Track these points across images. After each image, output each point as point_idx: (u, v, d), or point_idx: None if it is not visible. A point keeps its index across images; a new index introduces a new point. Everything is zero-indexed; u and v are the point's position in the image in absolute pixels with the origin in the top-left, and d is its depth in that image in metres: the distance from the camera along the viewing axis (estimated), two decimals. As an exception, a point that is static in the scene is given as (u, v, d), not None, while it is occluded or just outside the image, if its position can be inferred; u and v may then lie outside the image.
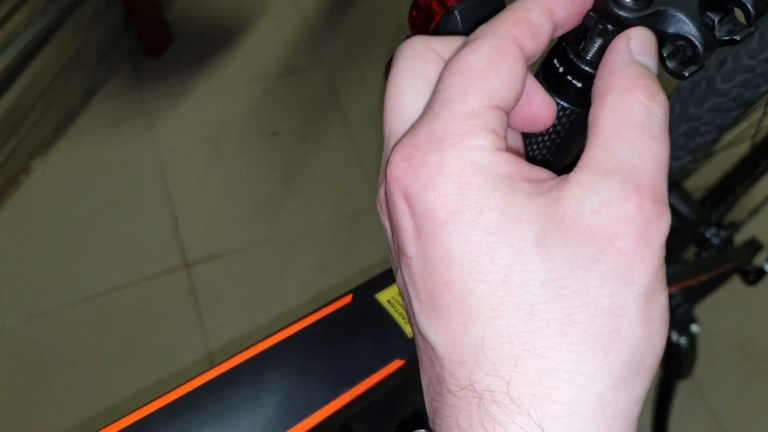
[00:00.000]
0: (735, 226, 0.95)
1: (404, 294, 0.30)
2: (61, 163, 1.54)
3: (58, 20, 1.44)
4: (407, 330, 0.44)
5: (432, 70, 0.31)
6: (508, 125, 0.31)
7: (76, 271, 1.43)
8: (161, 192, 1.51)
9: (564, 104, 0.34)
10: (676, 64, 0.31)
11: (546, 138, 0.36)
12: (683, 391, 1.30)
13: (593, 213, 0.26)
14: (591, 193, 0.26)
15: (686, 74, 0.31)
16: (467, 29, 0.38)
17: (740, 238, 0.98)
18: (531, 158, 0.37)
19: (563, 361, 0.25)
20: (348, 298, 0.45)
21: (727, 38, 0.33)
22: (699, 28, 0.30)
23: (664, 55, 0.32)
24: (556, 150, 0.37)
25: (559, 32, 0.31)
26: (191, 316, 1.39)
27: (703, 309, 1.13)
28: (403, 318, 0.45)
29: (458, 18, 0.38)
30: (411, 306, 0.29)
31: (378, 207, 0.33)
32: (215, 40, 1.70)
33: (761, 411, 1.30)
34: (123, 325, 1.38)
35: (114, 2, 1.56)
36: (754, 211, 1.01)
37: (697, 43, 0.30)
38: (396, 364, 0.43)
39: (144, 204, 1.50)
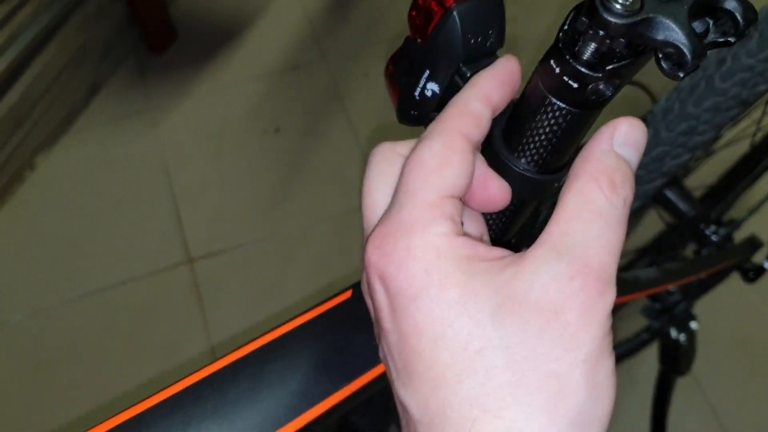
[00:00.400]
0: (735, 224, 0.96)
1: (385, 364, 0.33)
2: (65, 159, 1.54)
3: (62, 17, 1.44)
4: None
5: (397, 170, 0.35)
6: (470, 208, 0.36)
7: (79, 267, 1.43)
8: (164, 188, 1.51)
9: (561, 104, 0.35)
10: (671, 65, 0.32)
11: (544, 137, 0.37)
12: (683, 387, 1.30)
13: (543, 288, 0.29)
14: (543, 271, 0.29)
15: (680, 75, 0.32)
16: (466, 31, 0.39)
17: (740, 235, 0.98)
18: (530, 160, 0.38)
19: (515, 420, 0.28)
20: (348, 294, 0.46)
21: (722, 40, 0.33)
22: (687, 36, 0.31)
23: (659, 56, 0.32)
24: (554, 149, 0.37)
25: (497, 113, 0.36)
26: (194, 311, 1.39)
27: (703, 305, 1.13)
28: (402, 314, 0.45)
29: (457, 19, 0.38)
30: (390, 374, 0.32)
31: (362, 290, 0.37)
32: (219, 37, 1.70)
33: (761, 407, 1.30)
34: (126, 321, 1.39)
35: (117, -2, 1.57)
36: (754, 210, 1.01)
37: (685, 50, 0.31)
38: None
39: (147, 200, 1.50)
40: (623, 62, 0.33)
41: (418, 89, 0.42)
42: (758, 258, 0.97)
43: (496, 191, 0.36)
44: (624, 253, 1.03)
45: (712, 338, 1.35)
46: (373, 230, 0.33)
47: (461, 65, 0.40)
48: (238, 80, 1.64)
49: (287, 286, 1.42)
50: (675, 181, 0.98)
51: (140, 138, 1.57)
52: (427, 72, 0.41)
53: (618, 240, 0.31)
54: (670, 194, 0.97)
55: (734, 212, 1.01)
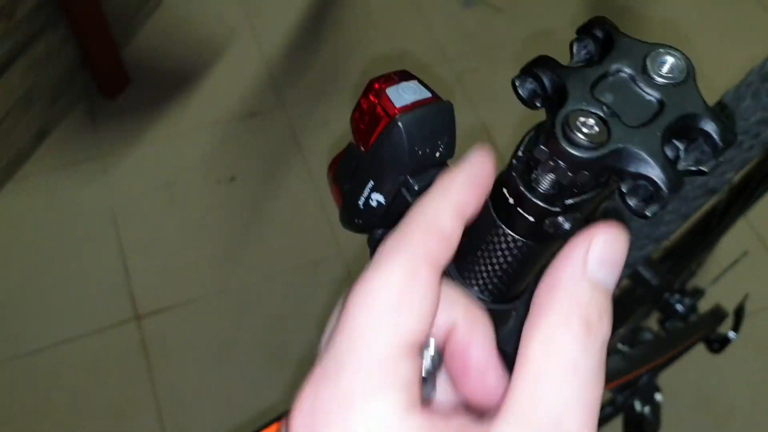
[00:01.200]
0: (699, 293, 0.93)
1: None
2: (9, 207, 1.48)
3: (8, 59, 1.39)
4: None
5: None
6: (453, 389, 0.30)
7: (23, 322, 1.37)
8: (113, 240, 1.45)
9: (513, 235, 0.31)
10: (638, 201, 0.28)
11: (497, 266, 0.33)
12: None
13: None
14: None
15: (648, 214, 0.28)
16: (413, 142, 0.35)
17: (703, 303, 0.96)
18: (482, 288, 0.34)
19: None
20: (275, 427, 0.41)
21: (695, 169, 0.30)
22: (663, 168, 0.27)
23: (624, 191, 0.29)
24: (507, 279, 0.33)
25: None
26: (141, 370, 1.33)
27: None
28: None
29: (402, 130, 0.35)
30: None
31: None
32: (174, 82, 1.66)
33: (726, 471, 1.28)
34: (71, 380, 1.33)
35: (68, 41, 1.52)
36: (718, 278, 0.99)
37: (661, 184, 0.27)
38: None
39: (94, 252, 1.44)
40: (586, 195, 0.30)
41: (362, 198, 0.38)
42: (723, 329, 0.95)
43: (494, 387, 0.29)
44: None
45: (678, 397, 1.33)
46: (305, 385, 0.26)
47: (408, 178, 0.37)
48: (193, 127, 1.60)
49: (239, 343, 1.37)
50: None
51: (89, 186, 1.51)
52: (371, 182, 0.37)
53: (596, 397, 0.25)
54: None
55: (698, 280, 0.99)
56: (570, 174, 0.28)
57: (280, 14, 1.77)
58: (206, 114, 1.62)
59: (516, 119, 1.64)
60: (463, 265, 0.34)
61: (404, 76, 0.37)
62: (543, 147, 0.28)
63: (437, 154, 0.36)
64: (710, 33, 1.83)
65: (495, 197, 0.31)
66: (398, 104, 0.35)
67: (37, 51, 1.44)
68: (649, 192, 0.28)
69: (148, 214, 1.49)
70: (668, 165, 0.28)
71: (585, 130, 0.27)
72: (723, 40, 1.82)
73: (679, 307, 0.92)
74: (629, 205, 0.29)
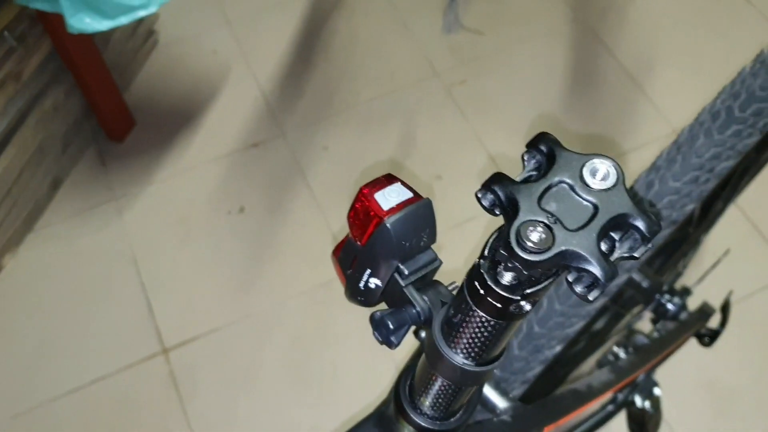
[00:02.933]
0: (687, 292, 1.00)
1: None
2: (32, 257, 1.55)
3: (19, 118, 1.46)
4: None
5: None
6: None
7: (55, 366, 1.44)
8: (134, 278, 1.53)
9: (485, 316, 0.38)
10: (582, 288, 0.35)
11: (475, 338, 0.40)
12: None
13: None
14: None
15: (590, 298, 0.35)
16: (400, 238, 0.42)
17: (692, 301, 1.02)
18: (465, 352, 0.41)
19: None
20: None
21: (627, 255, 0.36)
22: (598, 262, 0.34)
23: (570, 280, 0.35)
24: (485, 347, 0.40)
25: None
26: (173, 401, 1.40)
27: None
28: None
29: (390, 230, 0.41)
30: None
31: None
32: (176, 119, 1.73)
33: (733, 449, 1.34)
34: (106, 417, 1.40)
35: (73, 92, 1.59)
36: (704, 276, 1.06)
37: (598, 275, 0.34)
38: None
39: (118, 292, 1.51)
40: (540, 286, 0.36)
41: (362, 282, 0.45)
42: (712, 323, 1.01)
43: None
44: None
45: (681, 383, 1.39)
46: None
47: (399, 264, 0.43)
48: (198, 162, 1.67)
49: (264, 366, 1.44)
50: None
51: (106, 229, 1.59)
52: (369, 270, 0.44)
53: None
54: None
55: (685, 279, 1.05)
56: (525, 272, 0.35)
57: (273, 45, 1.83)
58: (210, 148, 1.69)
59: (505, 127, 1.70)
60: (450, 337, 0.41)
61: (390, 179, 0.43)
62: (503, 251, 0.35)
63: (422, 243, 0.43)
64: (690, 25, 1.89)
65: (469, 287, 0.38)
66: (385, 207, 0.42)
67: (45, 106, 1.51)
68: (590, 281, 0.35)
69: (166, 251, 1.56)
70: (603, 259, 0.34)
71: (533, 237, 0.34)
72: (704, 32, 1.88)
73: (670, 306, 0.99)
74: (575, 291, 0.35)
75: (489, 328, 0.39)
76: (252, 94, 1.76)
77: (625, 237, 0.36)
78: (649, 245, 0.36)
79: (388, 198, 0.42)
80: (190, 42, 1.84)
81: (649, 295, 1.00)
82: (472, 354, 0.41)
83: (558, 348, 0.64)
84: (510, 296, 0.36)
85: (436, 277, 0.46)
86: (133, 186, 1.64)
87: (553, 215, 0.35)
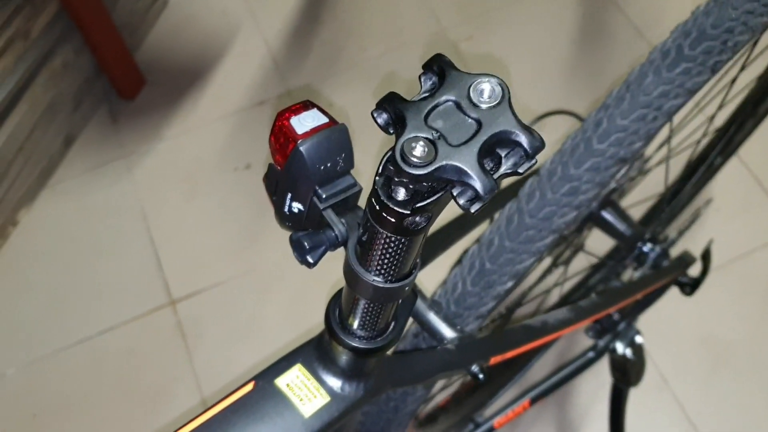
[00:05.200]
0: (670, 241, 1.00)
1: None
2: (46, 212, 1.60)
3: (29, 76, 1.50)
4: (303, 411, 0.50)
5: None
6: None
7: (67, 317, 1.49)
8: (143, 232, 1.57)
9: (386, 233, 0.40)
10: (465, 201, 0.37)
11: (383, 256, 0.42)
12: (651, 386, 1.35)
13: None
14: None
15: (472, 210, 0.37)
16: (314, 162, 0.44)
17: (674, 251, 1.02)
18: (377, 270, 0.43)
19: None
20: (250, 386, 0.51)
21: (511, 171, 0.38)
22: (478, 176, 0.36)
23: (454, 194, 0.37)
24: (393, 264, 0.42)
25: None
26: (180, 350, 1.45)
27: (664, 307, 1.18)
28: (300, 400, 0.51)
29: (303, 153, 0.43)
30: None
31: None
32: (186, 78, 1.76)
33: (726, 400, 1.35)
34: (116, 365, 1.45)
35: (83, 51, 1.62)
36: (687, 227, 1.06)
37: (478, 188, 0.36)
38: (294, 444, 0.49)
39: (127, 246, 1.56)
40: (429, 200, 0.38)
41: (286, 206, 0.47)
42: (693, 272, 1.02)
43: None
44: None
45: (677, 337, 1.40)
46: None
47: (317, 188, 0.45)
48: (207, 120, 1.70)
49: (267, 318, 1.48)
50: (611, 203, 1.03)
51: (117, 185, 1.63)
52: (290, 194, 0.46)
53: None
54: (607, 215, 1.02)
55: (668, 230, 1.05)
56: (411, 186, 0.37)
57: (281, 4, 1.84)
58: (218, 106, 1.71)
59: (511, 83, 1.69)
60: (362, 258, 0.43)
61: (306, 106, 0.45)
62: (391, 167, 0.37)
63: (338, 168, 0.45)
64: None
65: (369, 206, 0.40)
66: (300, 131, 0.44)
67: (55, 64, 1.55)
68: (472, 195, 0.36)
69: (174, 206, 1.60)
70: (483, 173, 0.36)
71: (416, 152, 0.36)
72: None
73: (651, 254, 0.99)
74: (459, 204, 0.37)
75: (392, 246, 0.41)
76: (260, 53, 1.78)
77: (510, 154, 0.38)
78: (533, 161, 0.38)
79: (303, 123, 0.44)
80: (200, 1, 1.86)
81: (630, 243, 1.00)
82: (383, 272, 0.43)
83: (510, 284, 0.66)
84: (402, 211, 0.38)
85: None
86: (143, 143, 1.68)
87: (438, 131, 0.37)
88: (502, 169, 0.38)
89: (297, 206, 0.46)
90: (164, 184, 1.63)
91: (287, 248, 1.52)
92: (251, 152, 1.65)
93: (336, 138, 0.44)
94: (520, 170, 0.38)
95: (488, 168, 0.37)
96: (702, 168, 1.11)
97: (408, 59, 1.75)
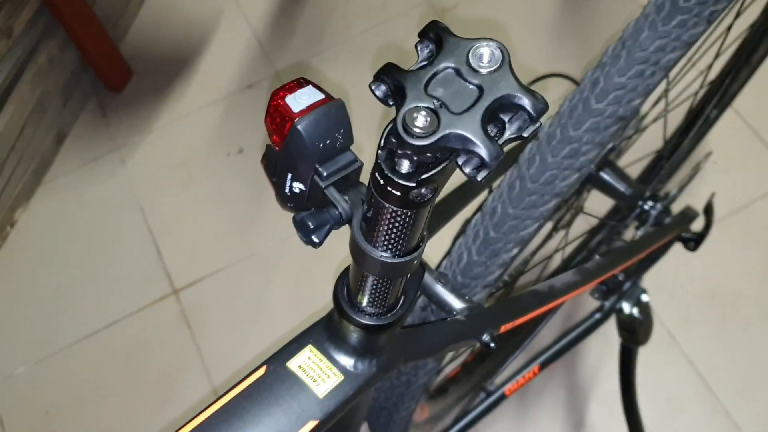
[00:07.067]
0: (671, 197, 1.00)
1: None
2: (42, 210, 1.59)
3: (15, 74, 1.48)
4: (317, 391, 0.50)
5: None
6: None
7: (72, 312, 1.49)
8: (141, 224, 1.56)
9: (391, 207, 0.39)
10: (470, 170, 0.36)
11: (389, 231, 0.41)
12: (660, 344, 1.35)
13: None
14: None
15: (479, 178, 0.36)
16: (313, 139, 0.43)
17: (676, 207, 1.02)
18: (384, 245, 0.42)
19: None
20: (262, 370, 0.51)
21: (516, 135, 0.37)
22: (483, 143, 0.35)
23: (460, 163, 0.36)
24: (400, 239, 0.42)
25: None
26: (186, 338, 1.45)
27: (668, 262, 1.18)
28: (314, 381, 0.50)
29: (302, 132, 0.43)
30: None
31: None
32: (172, 66, 1.74)
33: (734, 352, 1.35)
34: (124, 358, 1.45)
35: (67, 45, 1.60)
36: (687, 182, 1.05)
37: (483, 155, 0.35)
38: (310, 424, 0.49)
39: (126, 238, 1.55)
40: (433, 171, 0.37)
41: (287, 187, 0.46)
42: (696, 227, 1.01)
43: None
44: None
45: (682, 293, 1.40)
46: None
47: (318, 166, 0.45)
48: (196, 107, 1.68)
49: (270, 301, 1.47)
50: (609, 163, 1.02)
51: (111, 178, 1.62)
52: (290, 174, 0.45)
53: None
54: (606, 176, 1.01)
55: (668, 186, 1.05)
56: (415, 157, 0.36)
57: (262, -16, 1.82)
58: (206, 92, 1.70)
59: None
60: (368, 234, 0.43)
61: (301, 83, 0.44)
62: (393, 139, 0.36)
63: (338, 144, 0.44)
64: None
65: (373, 181, 0.39)
66: (296, 109, 0.43)
67: (40, 60, 1.53)
68: (477, 163, 0.36)
69: (170, 195, 1.59)
70: (488, 140, 0.35)
71: (419, 123, 0.35)
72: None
73: (653, 211, 0.99)
74: (465, 172, 0.36)
75: (399, 220, 0.40)
76: (244, 36, 1.76)
77: (514, 118, 0.37)
78: (538, 124, 0.37)
79: (299, 100, 0.43)
80: (181, -13, 1.83)
81: (631, 202, 1.00)
82: (390, 247, 0.42)
83: (515, 251, 0.66)
84: (407, 183, 0.37)
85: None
86: (134, 135, 1.66)
87: (439, 100, 0.36)
88: (507, 135, 0.37)
89: (298, 186, 0.46)
90: (158, 173, 1.62)
91: (286, 230, 1.52)
92: (243, 136, 1.64)
93: (334, 114, 0.43)
94: (525, 134, 0.37)
95: (492, 134, 0.36)
96: (699, 121, 1.10)
97: (393, 32, 1.73)
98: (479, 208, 0.69)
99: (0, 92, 1.45)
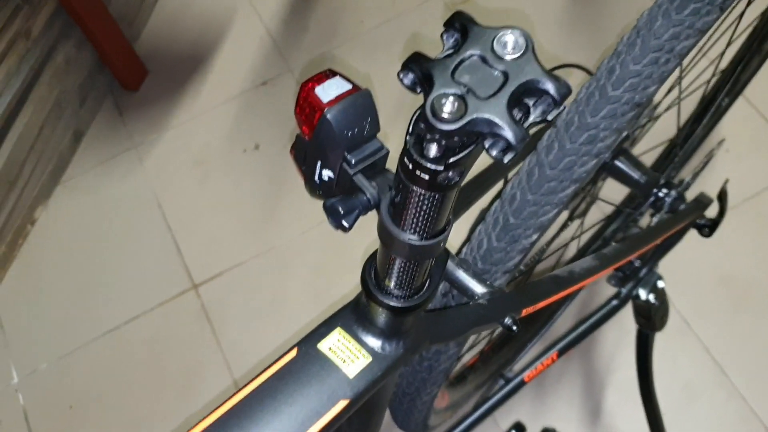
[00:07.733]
0: (685, 184, 1.01)
1: None
2: (62, 208, 1.62)
3: (34, 75, 1.51)
4: (347, 372, 0.52)
5: None
6: None
7: (93, 309, 1.52)
8: (160, 221, 1.58)
9: (420, 191, 0.41)
10: (497, 153, 0.38)
11: (417, 214, 0.43)
12: (675, 330, 1.37)
13: None
14: None
15: (505, 161, 0.38)
16: (341, 128, 0.45)
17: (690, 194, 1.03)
18: (412, 228, 0.44)
19: None
20: (294, 352, 0.53)
21: (540, 119, 0.39)
22: (509, 126, 0.37)
23: (486, 146, 0.38)
24: (428, 222, 0.43)
25: None
26: (206, 333, 1.47)
27: (682, 250, 1.19)
28: (343, 362, 0.52)
29: (331, 121, 0.44)
30: None
31: None
32: (187, 64, 1.76)
33: (749, 339, 1.36)
34: (145, 352, 1.48)
35: (84, 46, 1.63)
36: (701, 169, 1.06)
37: (509, 138, 0.37)
38: (341, 404, 0.51)
39: (145, 235, 1.58)
40: (461, 154, 0.39)
41: (316, 175, 0.48)
42: (710, 213, 1.02)
43: None
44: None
45: (696, 280, 1.41)
46: None
47: (346, 154, 0.46)
48: (212, 104, 1.70)
49: (289, 295, 1.49)
50: (623, 151, 1.04)
51: (129, 176, 1.64)
52: (319, 162, 0.47)
53: None
54: (620, 164, 1.03)
55: (683, 174, 1.06)
56: (443, 141, 0.38)
57: (274, -19, 1.84)
58: (221, 90, 1.72)
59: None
60: (396, 217, 0.44)
61: (329, 74, 0.46)
62: (422, 125, 0.38)
63: (365, 133, 0.46)
64: None
65: (401, 165, 0.41)
66: (325, 99, 0.45)
67: (57, 61, 1.56)
68: (504, 146, 0.37)
69: (187, 192, 1.61)
70: (514, 123, 0.37)
71: (447, 108, 0.37)
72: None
73: (667, 198, 1.00)
74: (492, 155, 0.38)
75: (426, 203, 0.42)
76: (258, 34, 1.78)
77: (538, 102, 0.39)
78: (562, 108, 0.39)
79: (328, 91, 0.45)
80: (194, -14, 1.85)
81: (646, 190, 1.01)
82: (418, 230, 0.44)
83: (534, 236, 0.67)
84: (435, 167, 0.39)
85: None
86: (151, 133, 1.69)
87: (466, 86, 0.37)
88: (531, 118, 0.38)
89: (327, 174, 0.47)
90: (176, 171, 1.64)
91: (304, 225, 1.54)
92: (259, 132, 1.66)
93: (361, 103, 0.45)
94: (549, 117, 0.39)
95: (517, 118, 0.38)
96: (711, 109, 1.11)
97: (405, 27, 1.75)
98: (497, 197, 0.71)
99: (20, 93, 1.47)
